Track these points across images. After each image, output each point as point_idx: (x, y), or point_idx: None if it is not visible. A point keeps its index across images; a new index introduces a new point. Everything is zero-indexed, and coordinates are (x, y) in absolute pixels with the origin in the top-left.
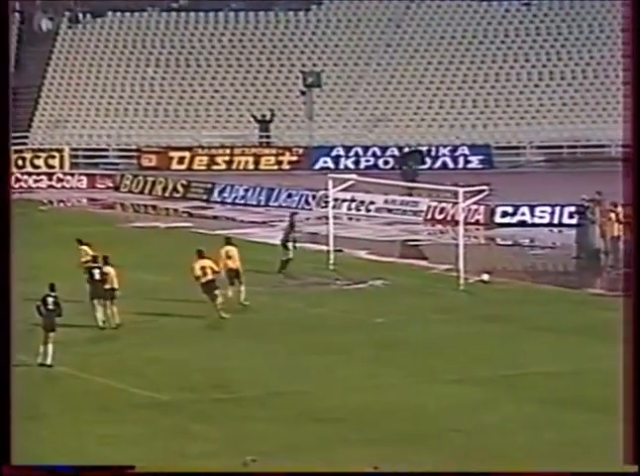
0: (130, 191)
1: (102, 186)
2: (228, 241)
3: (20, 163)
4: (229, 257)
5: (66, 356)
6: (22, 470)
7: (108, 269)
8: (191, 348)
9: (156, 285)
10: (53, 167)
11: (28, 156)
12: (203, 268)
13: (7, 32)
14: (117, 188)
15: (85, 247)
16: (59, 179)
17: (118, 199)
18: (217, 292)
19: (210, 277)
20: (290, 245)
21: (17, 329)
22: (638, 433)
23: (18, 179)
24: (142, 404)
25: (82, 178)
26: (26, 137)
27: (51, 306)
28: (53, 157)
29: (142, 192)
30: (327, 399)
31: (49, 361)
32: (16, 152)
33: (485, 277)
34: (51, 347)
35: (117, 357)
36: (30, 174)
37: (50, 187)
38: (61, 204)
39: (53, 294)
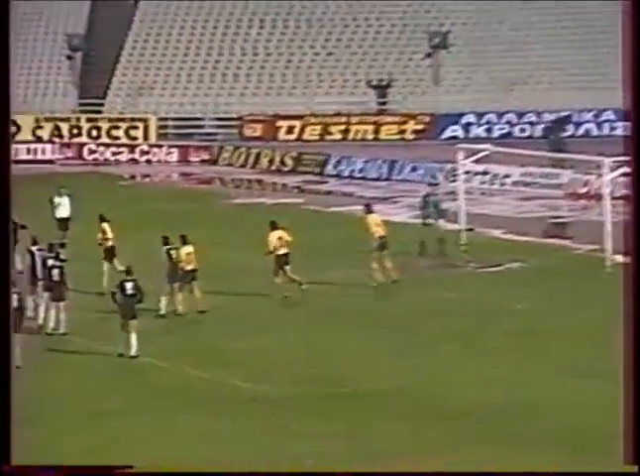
0: (230, 165)
1: (196, 160)
2: (275, 225)
3: (94, 133)
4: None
5: (149, 346)
6: (22, 470)
7: (187, 249)
8: (298, 336)
9: (254, 266)
10: (135, 138)
11: (104, 125)
12: (280, 238)
13: (7, 32)
14: (215, 162)
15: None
16: (144, 152)
17: (216, 174)
18: (288, 267)
19: (285, 250)
20: (434, 221)
21: (90, 318)
22: (638, 433)
23: (92, 151)
24: (244, 398)
25: (173, 150)
26: (101, 105)
27: (130, 292)
28: (136, 127)
29: (244, 166)
30: (459, 394)
31: (133, 351)
32: (88, 120)
33: None
34: (133, 337)
35: (207, 346)
36: (107, 145)
37: (131, 161)
38: (147, 179)
39: (131, 277)
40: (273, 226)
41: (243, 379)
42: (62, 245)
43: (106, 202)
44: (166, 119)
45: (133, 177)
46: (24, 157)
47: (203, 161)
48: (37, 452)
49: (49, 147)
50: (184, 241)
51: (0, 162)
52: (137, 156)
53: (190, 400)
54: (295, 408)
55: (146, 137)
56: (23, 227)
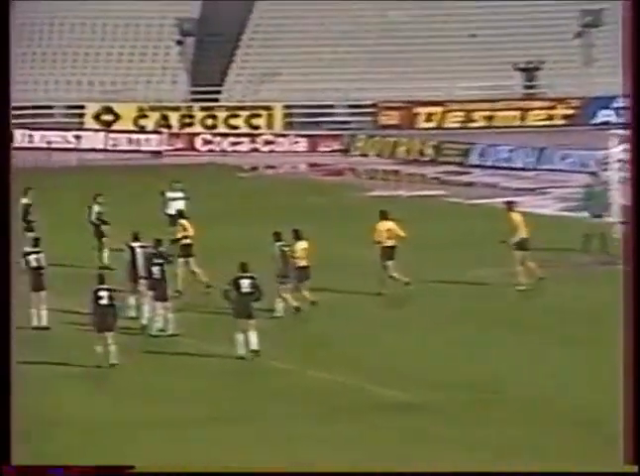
0: (364, 155)
1: (327, 150)
2: (385, 215)
3: (209, 122)
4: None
5: (265, 347)
6: (22, 470)
7: (301, 244)
8: (427, 336)
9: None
10: (257, 127)
11: (221, 114)
12: (389, 230)
13: (7, 32)
14: (346, 152)
15: None
16: (267, 142)
17: (348, 164)
18: (391, 262)
19: (392, 242)
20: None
21: (194, 318)
22: (638, 433)
23: (207, 142)
24: (374, 403)
25: (300, 139)
26: (217, 92)
27: (246, 289)
28: (258, 116)
29: (379, 156)
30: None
31: (253, 347)
32: (203, 109)
33: None
34: (252, 335)
35: (326, 347)
36: (225, 135)
37: (253, 151)
38: (270, 171)
39: (247, 274)
40: (384, 216)
41: (371, 383)
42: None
43: (223, 196)
44: (293, 107)
45: (254, 168)
46: (124, 147)
47: (334, 151)
48: (157, 456)
49: (154, 137)
50: (298, 236)
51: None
52: (259, 146)
53: (313, 404)
54: (431, 414)
55: (269, 126)
56: (104, 223)
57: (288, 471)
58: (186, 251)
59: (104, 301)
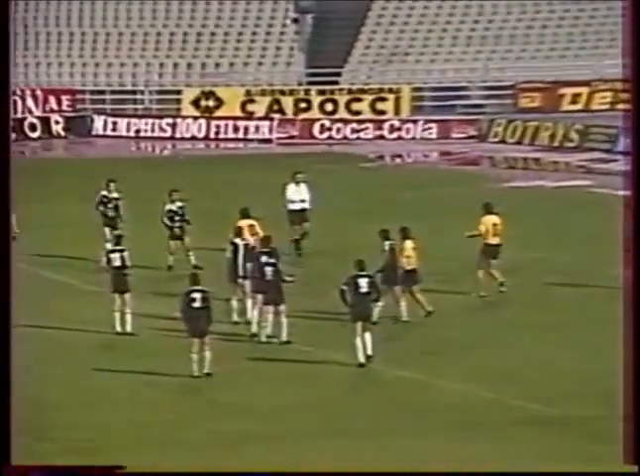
0: (502, 141)
1: (461, 136)
2: (490, 209)
3: (328, 107)
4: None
5: (384, 354)
6: (22, 470)
7: (407, 244)
8: (587, 350)
9: (533, 263)
10: (383, 112)
11: (342, 98)
12: (495, 225)
13: (7, 32)
14: (483, 138)
15: None
16: (394, 128)
17: (485, 152)
18: (495, 261)
19: (498, 240)
20: None
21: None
22: (638, 433)
23: (326, 128)
24: (518, 419)
25: (431, 125)
26: (338, 74)
27: (364, 289)
28: (384, 99)
29: (519, 142)
30: None
31: (370, 351)
32: (321, 93)
33: None
34: (368, 339)
35: (446, 354)
36: (346, 121)
37: (378, 139)
38: (397, 160)
39: (365, 273)
40: (488, 210)
41: (507, 395)
42: (297, 241)
43: (344, 188)
44: (423, 89)
45: (379, 157)
46: (230, 135)
47: (468, 137)
48: None
49: (265, 124)
50: (405, 235)
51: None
52: (385, 133)
53: (444, 418)
54: (583, 431)
55: (397, 111)
56: (183, 220)
57: (289, 471)
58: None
59: (197, 304)
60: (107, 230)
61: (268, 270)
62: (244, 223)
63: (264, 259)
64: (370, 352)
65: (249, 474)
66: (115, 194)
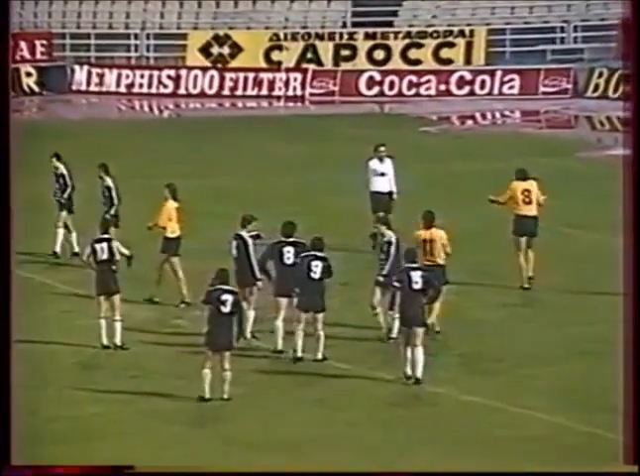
0: (604, 97)
1: (550, 90)
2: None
3: (379, 55)
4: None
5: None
6: (22, 470)
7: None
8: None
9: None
10: (449, 61)
11: (396, 44)
12: (526, 192)
13: (7, 32)
14: (580, 93)
15: None
16: (465, 82)
17: (582, 111)
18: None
19: (530, 210)
20: None
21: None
22: (638, 433)
23: (376, 82)
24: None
25: (513, 76)
26: (393, 14)
27: (418, 286)
28: (452, 44)
29: (626, 99)
30: None
31: (418, 373)
32: (369, 37)
33: None
34: (419, 354)
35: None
36: (400, 73)
37: (443, 95)
38: (469, 122)
39: (417, 265)
40: (520, 175)
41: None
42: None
43: (400, 157)
44: (504, 31)
45: (446, 118)
46: (250, 92)
47: (561, 91)
48: None
49: (296, 77)
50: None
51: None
52: (453, 87)
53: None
54: None
55: (468, 60)
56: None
57: (289, 471)
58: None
59: (227, 309)
60: (62, 215)
61: (315, 265)
62: None
63: (292, 254)
64: (418, 374)
65: (249, 474)
66: (63, 170)
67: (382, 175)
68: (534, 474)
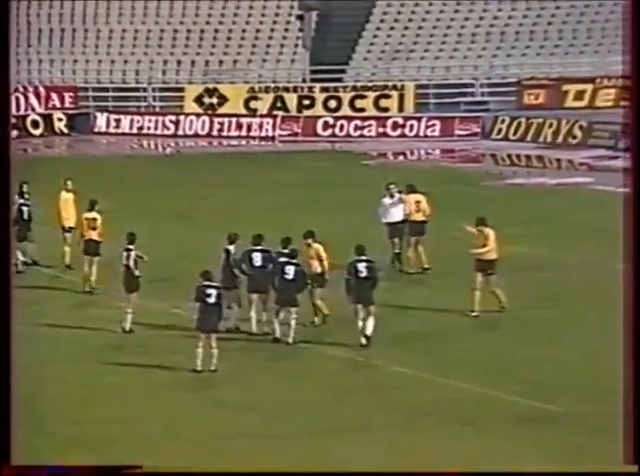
0: (505, 138)
1: (463, 133)
2: (411, 189)
3: (332, 104)
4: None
5: (403, 353)
6: (22, 470)
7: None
8: (587, 346)
9: (532, 260)
10: (386, 109)
11: (345, 96)
12: (417, 203)
13: (7, 32)
14: (486, 135)
15: None
16: (397, 125)
17: (488, 150)
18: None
19: (420, 217)
20: None
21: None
22: (638, 433)
23: (329, 126)
24: (521, 416)
25: (434, 122)
26: (342, 71)
27: (364, 274)
28: (388, 96)
29: (522, 139)
30: None
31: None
32: (325, 90)
33: None
34: (370, 321)
35: (478, 355)
36: (349, 118)
37: (381, 136)
38: (400, 157)
39: (364, 258)
40: (411, 189)
41: (519, 394)
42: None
43: (345, 185)
44: (428, 86)
45: (381, 155)
46: (233, 133)
47: (472, 134)
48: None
49: (268, 121)
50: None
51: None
52: (388, 130)
53: (451, 415)
54: (582, 428)
55: (401, 108)
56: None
57: (289, 471)
58: None
59: (212, 300)
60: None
61: (291, 270)
62: None
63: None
64: (368, 332)
65: (249, 474)
66: (24, 199)
67: (395, 208)
68: (534, 474)
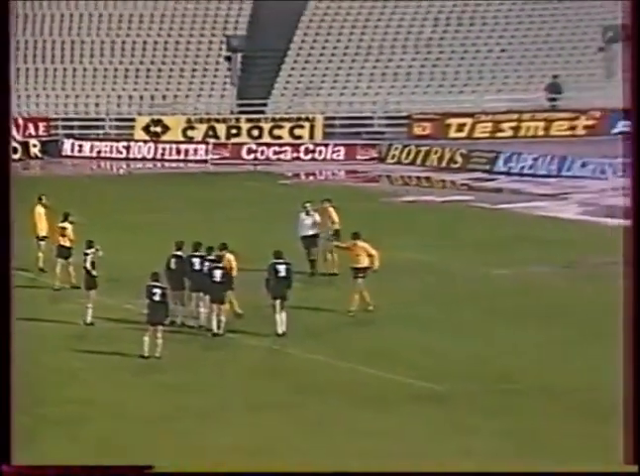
0: (399, 163)
1: (364, 158)
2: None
3: (255, 133)
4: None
5: (320, 344)
6: (22, 470)
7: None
8: (463, 335)
9: (422, 265)
10: (300, 137)
11: (266, 125)
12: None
13: (7, 32)
14: (382, 160)
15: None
16: (309, 151)
17: (384, 172)
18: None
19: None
20: None
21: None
22: (638, 433)
23: (252, 151)
24: (412, 395)
25: (339, 148)
26: (263, 105)
27: (282, 274)
28: (302, 126)
29: (413, 163)
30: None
31: (280, 330)
32: (249, 121)
33: None
34: (284, 317)
35: (378, 345)
36: (268, 144)
37: (295, 160)
38: (311, 178)
39: (282, 260)
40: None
41: (410, 376)
42: (312, 262)
43: (266, 201)
44: (334, 118)
45: (296, 175)
46: (174, 156)
47: (371, 159)
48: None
49: (201, 147)
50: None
51: (0, 161)
52: (301, 154)
53: (356, 396)
54: (464, 404)
55: (312, 136)
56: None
57: (289, 471)
58: None
59: (157, 298)
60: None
61: (218, 273)
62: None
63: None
64: (284, 325)
65: (249, 474)
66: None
67: (310, 224)
68: (534, 474)
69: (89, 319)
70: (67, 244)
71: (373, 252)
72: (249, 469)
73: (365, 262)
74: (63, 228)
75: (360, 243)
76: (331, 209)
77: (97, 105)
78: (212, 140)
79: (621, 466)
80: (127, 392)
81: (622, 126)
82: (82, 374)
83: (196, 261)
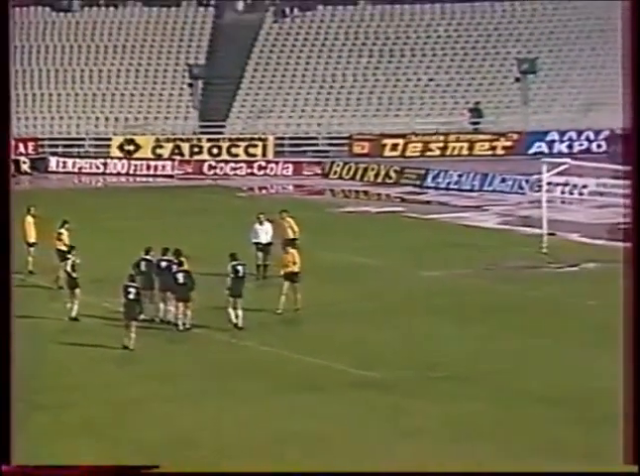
0: (340, 178)
1: (310, 173)
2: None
3: (215, 151)
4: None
5: (271, 337)
6: (22, 470)
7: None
8: (398, 329)
9: (361, 267)
10: (253, 155)
11: (224, 145)
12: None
13: (7, 32)
14: (326, 175)
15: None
16: (261, 167)
17: (327, 186)
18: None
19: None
20: None
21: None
22: (638, 433)
23: (212, 167)
24: (352, 382)
25: (288, 165)
26: (222, 126)
27: (241, 274)
28: (255, 146)
29: (353, 179)
30: (540, 379)
31: (240, 323)
32: (209, 141)
33: None
34: (240, 312)
35: (320, 337)
36: (226, 161)
37: (250, 175)
38: (263, 191)
39: (240, 262)
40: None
41: (350, 365)
42: (264, 267)
43: (225, 211)
44: (284, 138)
45: (250, 189)
46: (144, 172)
47: (316, 174)
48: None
49: (168, 164)
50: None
51: (0, 164)
52: (255, 170)
53: (299, 383)
54: (398, 390)
55: (264, 154)
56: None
57: (289, 471)
58: None
59: (131, 297)
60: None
61: (182, 276)
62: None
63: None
64: (240, 320)
65: (249, 474)
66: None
67: (263, 233)
68: (534, 474)
69: (74, 315)
70: (63, 248)
71: (297, 259)
72: (249, 469)
73: (297, 268)
74: (60, 234)
75: (292, 250)
76: (290, 220)
77: (78, 126)
78: (177, 157)
79: (621, 466)
80: (104, 378)
81: (537, 147)
82: (69, 363)
83: (163, 264)
